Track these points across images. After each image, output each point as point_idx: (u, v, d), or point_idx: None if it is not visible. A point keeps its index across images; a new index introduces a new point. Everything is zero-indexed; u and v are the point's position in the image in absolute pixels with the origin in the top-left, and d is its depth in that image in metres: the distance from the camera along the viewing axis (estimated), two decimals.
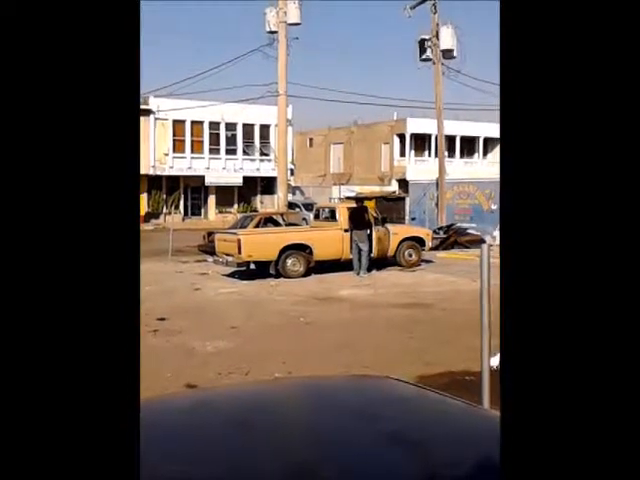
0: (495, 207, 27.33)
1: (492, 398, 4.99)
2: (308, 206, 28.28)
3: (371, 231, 16.31)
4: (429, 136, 41.13)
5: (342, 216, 16.42)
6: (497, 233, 25.49)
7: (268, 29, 23.46)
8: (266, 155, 40.99)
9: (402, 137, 43.24)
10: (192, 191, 40.67)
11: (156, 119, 37.83)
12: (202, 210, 41.00)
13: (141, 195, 35.63)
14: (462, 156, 44.64)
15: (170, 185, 39.69)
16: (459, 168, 40.06)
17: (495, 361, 7.46)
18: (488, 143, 45.47)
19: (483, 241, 23.13)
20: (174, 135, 39.10)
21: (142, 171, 33.68)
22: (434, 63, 28.14)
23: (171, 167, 38.96)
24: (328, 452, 1.54)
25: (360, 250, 15.82)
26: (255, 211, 34.46)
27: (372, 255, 16.26)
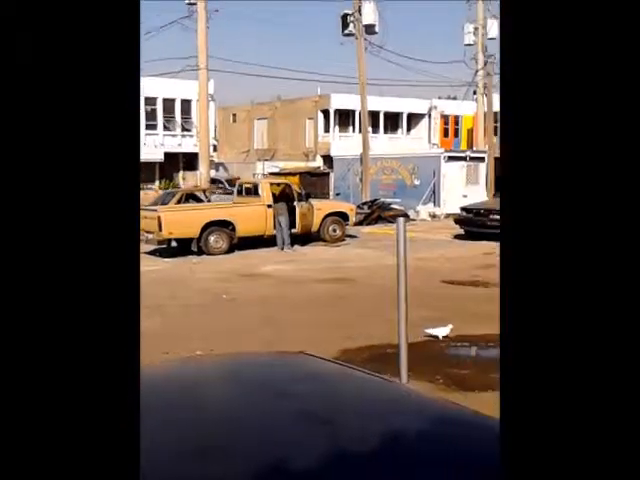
0: (418, 182, 27.74)
1: (410, 369, 5.05)
2: (232, 182, 28.00)
3: (293, 206, 16.31)
4: (353, 112, 41.19)
5: (265, 192, 16.31)
6: (420, 208, 25.90)
7: (187, 0, 22.88)
8: (188, 131, 40.22)
9: (326, 113, 43.22)
10: None
11: None
12: None
13: None
14: (386, 132, 44.98)
15: None
16: (383, 144, 40.35)
17: (436, 331, 7.58)
18: (412, 119, 45.98)
19: (406, 216, 23.48)
20: None
21: None
22: (357, 38, 28.15)
23: None
24: (237, 429, 1.53)
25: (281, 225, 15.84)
26: (177, 187, 33.84)
27: (293, 230, 16.25)
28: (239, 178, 24.29)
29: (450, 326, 7.60)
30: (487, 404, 5.58)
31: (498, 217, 17.56)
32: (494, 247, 16.34)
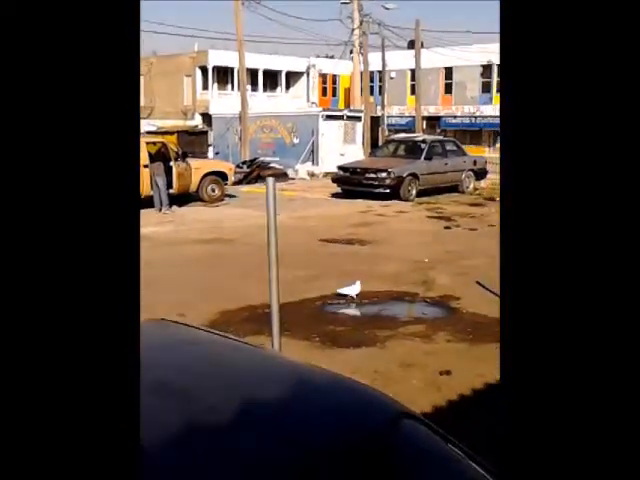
0: (297, 141, 27.80)
1: (288, 329, 5.14)
2: None
3: (170, 166, 15.99)
4: (232, 69, 40.43)
5: (141, 151, 15.85)
6: (299, 166, 26.02)
7: None
8: None
9: (204, 69, 42.20)
10: None
11: None
12: None
13: None
14: (265, 90, 44.56)
15: None
16: (262, 102, 39.98)
17: (347, 290, 7.73)
18: (290, 77, 45.75)
19: (285, 175, 23.55)
20: None
21: None
22: None
23: None
24: None
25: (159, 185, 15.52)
26: None
27: (171, 190, 15.97)
28: None
29: (358, 282, 7.80)
30: (357, 360, 5.80)
31: (373, 175, 18.00)
32: (370, 205, 16.75)
